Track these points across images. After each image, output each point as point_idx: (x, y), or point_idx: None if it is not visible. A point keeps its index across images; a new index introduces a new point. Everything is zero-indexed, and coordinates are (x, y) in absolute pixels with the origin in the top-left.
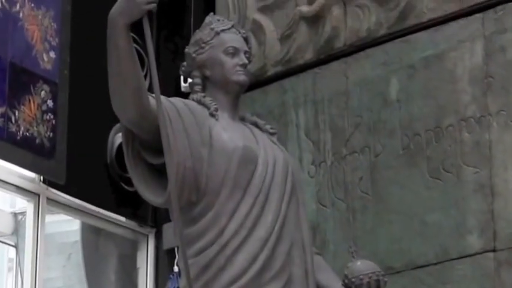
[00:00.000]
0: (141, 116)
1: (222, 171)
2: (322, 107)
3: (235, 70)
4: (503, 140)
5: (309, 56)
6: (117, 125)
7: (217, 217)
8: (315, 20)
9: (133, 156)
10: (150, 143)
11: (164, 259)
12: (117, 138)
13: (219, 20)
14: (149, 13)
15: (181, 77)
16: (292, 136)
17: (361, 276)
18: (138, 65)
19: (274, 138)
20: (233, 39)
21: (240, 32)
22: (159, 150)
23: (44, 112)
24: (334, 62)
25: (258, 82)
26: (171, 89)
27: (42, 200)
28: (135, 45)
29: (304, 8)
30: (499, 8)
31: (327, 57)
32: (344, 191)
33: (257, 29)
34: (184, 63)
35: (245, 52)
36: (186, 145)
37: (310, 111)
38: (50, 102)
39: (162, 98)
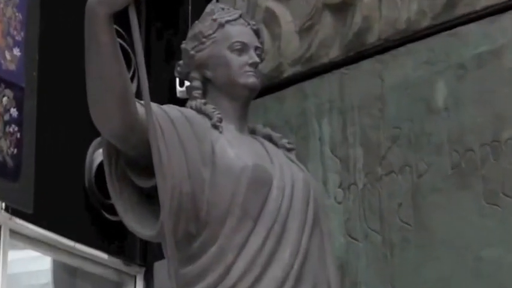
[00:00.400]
0: (128, 127)
1: (228, 196)
2: (352, 117)
3: (244, 71)
4: None
5: (334, 53)
6: (97, 140)
7: (222, 253)
8: (342, 8)
9: (117, 178)
10: (138, 162)
11: None
12: (97, 155)
13: (223, 9)
14: (136, 1)
15: (177, 80)
16: (314, 152)
17: None
18: (123, 66)
19: (293, 155)
20: (241, 32)
21: (249, 24)
22: (149, 171)
23: (6, 123)
24: (366, 60)
25: (272, 85)
26: (165, 94)
27: (5, 233)
28: (119, 40)
29: None
30: None
31: (356, 55)
32: (379, 220)
33: (271, 19)
34: (181, 62)
35: (256, 48)
36: (183, 164)
37: (336, 121)
38: (13, 111)
39: (153, 105)
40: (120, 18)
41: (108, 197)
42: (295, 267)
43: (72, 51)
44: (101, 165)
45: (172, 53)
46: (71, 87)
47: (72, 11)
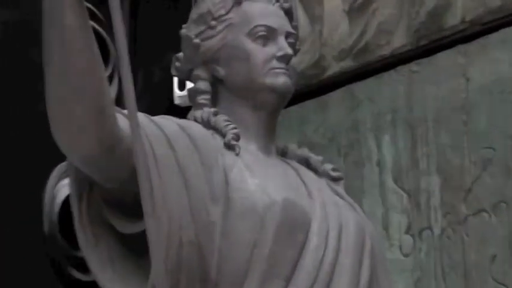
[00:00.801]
0: (104, 148)
1: (248, 246)
2: (425, 132)
3: (270, 67)
4: None
5: (399, 41)
6: (61, 166)
7: None
8: None
9: (90, 221)
10: (120, 198)
11: None
12: (60, 189)
13: None
14: None
15: (175, 80)
16: (371, 183)
17: None
18: (98, 60)
19: (340, 187)
20: (266, 12)
21: (278, 0)
22: (135, 211)
23: None
24: (444, 52)
25: (311, 88)
26: (158, 100)
27: None
28: (93, 23)
29: None
30: None
31: (431, 44)
32: (464, 280)
33: None
34: (180, 55)
35: (287, 35)
36: (184, 201)
37: (402, 139)
38: None
39: (141, 116)
40: None
41: (77, 247)
42: None
43: (25, 41)
44: (67, 202)
45: (170, 42)
46: (22, 91)
47: None
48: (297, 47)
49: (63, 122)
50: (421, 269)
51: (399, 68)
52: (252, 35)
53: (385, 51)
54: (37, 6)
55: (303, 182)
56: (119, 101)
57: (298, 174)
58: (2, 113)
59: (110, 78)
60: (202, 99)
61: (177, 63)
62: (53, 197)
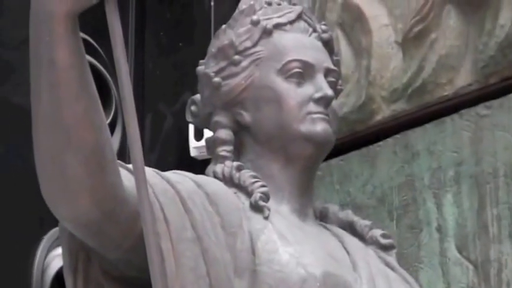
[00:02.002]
0: (106, 213)
1: None
2: (495, 190)
3: (306, 112)
4: None
5: (464, 79)
6: (53, 232)
7: None
8: (478, 0)
9: None
10: (123, 270)
11: None
12: (52, 260)
13: (269, 4)
14: None
15: (191, 128)
16: (429, 251)
17: None
18: (97, 105)
19: (392, 257)
20: (301, 44)
21: (315, 30)
22: (142, 285)
23: None
24: None
25: (357, 137)
26: (170, 152)
27: None
28: (90, 59)
29: None
30: None
31: (502, 83)
32: None
33: (353, 21)
34: (197, 97)
35: (327, 72)
36: (201, 272)
37: (468, 199)
38: None
39: (149, 172)
40: (91, 21)
41: None
42: None
43: (10, 77)
44: (60, 275)
45: (184, 81)
46: (7, 137)
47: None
48: (338, 87)
49: (55, 181)
50: None
51: (464, 111)
52: (284, 72)
53: (447, 91)
54: None
55: (347, 251)
56: (123, 154)
57: (341, 242)
58: None
59: (112, 126)
60: (223, 150)
61: (193, 107)
62: (43, 269)
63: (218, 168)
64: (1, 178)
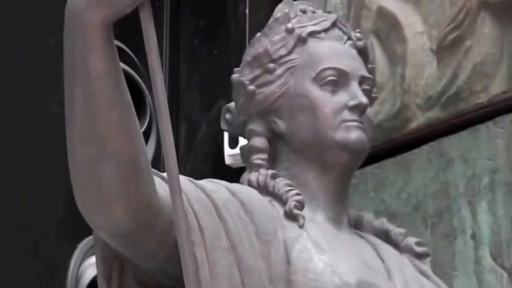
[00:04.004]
0: (141, 222)
1: None
2: None
3: (341, 120)
4: None
5: (499, 87)
6: (88, 240)
7: None
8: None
9: None
10: (158, 279)
11: None
12: (86, 268)
13: (305, 12)
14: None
15: (225, 136)
16: (464, 259)
17: None
18: (131, 114)
19: (427, 266)
20: (336, 52)
21: (350, 38)
22: None
23: None
24: None
25: (390, 145)
26: (205, 160)
27: None
28: (125, 67)
29: None
30: None
31: None
32: None
33: (388, 28)
34: (231, 105)
35: (361, 80)
36: (236, 281)
37: (503, 206)
38: None
39: (184, 181)
40: (126, 29)
41: None
42: None
43: (35, 86)
44: (94, 284)
45: (219, 89)
46: (37, 148)
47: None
48: (373, 95)
49: (90, 190)
50: None
51: (499, 119)
52: (319, 80)
53: (482, 98)
54: None
55: (381, 259)
56: (157, 162)
57: (376, 250)
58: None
59: (147, 135)
60: (258, 158)
61: (228, 115)
62: (78, 278)
63: (253, 176)
64: (37, 186)
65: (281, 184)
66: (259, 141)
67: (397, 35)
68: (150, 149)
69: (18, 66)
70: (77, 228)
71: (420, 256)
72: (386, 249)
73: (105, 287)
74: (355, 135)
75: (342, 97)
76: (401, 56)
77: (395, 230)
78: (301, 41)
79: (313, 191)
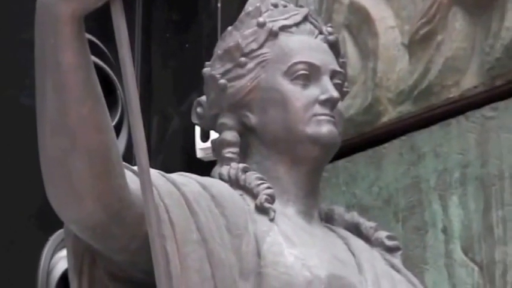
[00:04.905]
0: (112, 215)
1: None
2: (500, 192)
3: (312, 114)
4: None
5: (470, 81)
6: (58, 234)
7: None
8: (484, 3)
9: None
10: (129, 271)
11: None
12: (57, 262)
13: (276, 6)
14: None
15: (197, 130)
16: (434, 253)
17: None
18: (102, 107)
19: (397, 259)
20: (307, 46)
21: (321, 32)
22: (149, 285)
23: None
24: None
25: (362, 139)
26: (176, 154)
27: None
28: (96, 60)
29: None
30: None
31: (509, 85)
32: None
33: (359, 23)
34: (202, 98)
35: (333, 74)
36: (206, 275)
37: (474, 201)
38: None
39: (154, 174)
40: (97, 23)
41: None
42: None
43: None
44: (65, 277)
45: (190, 83)
46: (8, 142)
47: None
48: (345, 89)
49: (61, 184)
50: None
51: (470, 113)
52: (290, 74)
53: (453, 93)
54: None
55: (352, 253)
56: (129, 155)
57: (346, 244)
58: None
59: (118, 128)
60: (229, 152)
61: (199, 109)
62: (49, 272)
63: (224, 170)
64: (8, 178)
65: (252, 178)
66: (231, 135)
67: (369, 29)
68: (121, 142)
69: None
70: (49, 221)
71: (391, 250)
72: (357, 242)
73: (76, 280)
74: (326, 129)
75: (313, 91)
76: (373, 50)
77: (366, 224)
78: (273, 35)
79: (284, 184)
